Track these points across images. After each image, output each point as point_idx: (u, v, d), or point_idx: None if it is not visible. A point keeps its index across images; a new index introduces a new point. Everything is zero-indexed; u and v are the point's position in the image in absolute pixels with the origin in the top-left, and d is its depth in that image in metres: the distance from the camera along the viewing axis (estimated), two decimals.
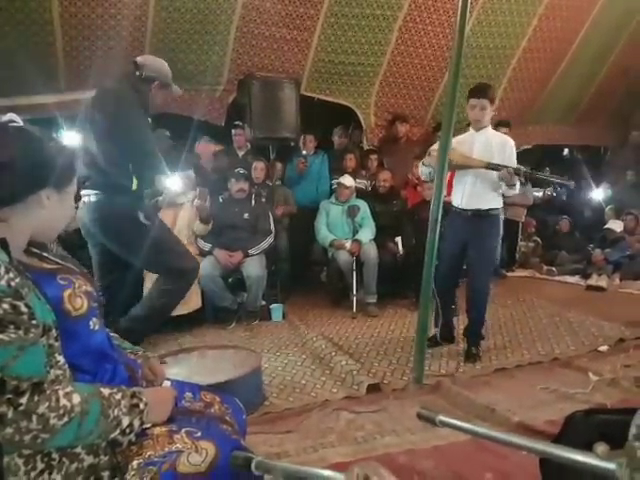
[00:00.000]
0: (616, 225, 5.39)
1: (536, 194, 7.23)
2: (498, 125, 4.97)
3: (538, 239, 6.02)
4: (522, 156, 5.87)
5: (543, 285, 5.01)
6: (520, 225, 5.73)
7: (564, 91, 5.60)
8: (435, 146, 2.99)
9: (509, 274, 5.38)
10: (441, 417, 0.85)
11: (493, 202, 2.91)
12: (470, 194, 2.88)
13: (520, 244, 5.81)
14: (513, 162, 2.84)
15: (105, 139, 2.33)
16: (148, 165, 2.45)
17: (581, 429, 1.17)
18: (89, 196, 2.45)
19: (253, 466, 0.72)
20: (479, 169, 2.83)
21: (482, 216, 2.90)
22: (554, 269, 5.35)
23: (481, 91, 2.86)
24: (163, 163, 2.57)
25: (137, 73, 2.50)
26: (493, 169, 2.78)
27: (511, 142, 2.94)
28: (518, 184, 2.84)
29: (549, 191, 7.32)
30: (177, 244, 2.75)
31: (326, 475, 0.60)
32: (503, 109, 5.41)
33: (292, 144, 4.64)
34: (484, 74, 5.04)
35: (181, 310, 3.43)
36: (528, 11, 4.65)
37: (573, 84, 5.57)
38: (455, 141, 2.84)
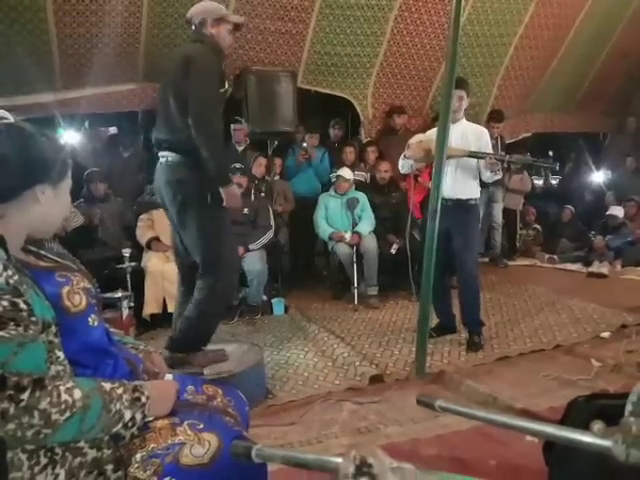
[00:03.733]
0: (617, 211, 5.38)
1: (537, 182, 7.24)
2: (490, 119, 4.95)
3: (538, 227, 6.01)
4: (520, 144, 5.91)
5: (545, 273, 5.02)
6: (518, 213, 5.73)
7: (563, 78, 5.56)
8: (413, 139, 3.08)
9: (510, 263, 5.38)
10: (440, 402, 0.86)
11: (472, 192, 3.05)
12: (451, 184, 2.94)
13: (520, 232, 5.81)
14: (489, 151, 2.99)
15: (181, 102, 2.21)
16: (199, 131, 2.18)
17: (582, 413, 1.18)
18: (167, 157, 2.32)
19: (253, 454, 0.72)
20: (459, 159, 2.91)
21: (462, 205, 3.01)
22: (555, 257, 5.35)
23: (459, 81, 2.94)
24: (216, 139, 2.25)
25: (192, 27, 2.38)
26: (475, 157, 2.89)
27: (485, 131, 3.09)
28: (500, 171, 2.99)
29: (552, 179, 7.31)
30: (230, 241, 2.46)
31: (324, 460, 0.60)
32: (502, 98, 5.39)
33: (290, 137, 4.63)
34: (481, 62, 5.01)
35: None
36: None
37: (572, 71, 5.53)
38: (432, 134, 2.95)
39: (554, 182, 7.89)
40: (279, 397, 2.51)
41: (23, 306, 0.88)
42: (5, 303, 0.86)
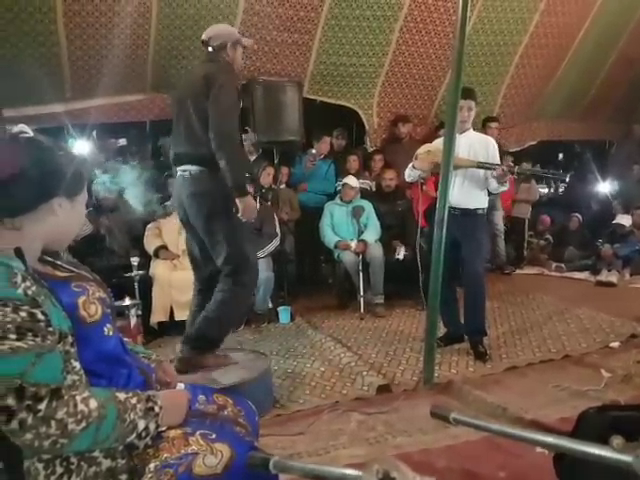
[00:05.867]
0: (625, 220, 5.36)
1: (542, 190, 7.23)
2: (486, 121, 4.95)
3: (550, 237, 5.99)
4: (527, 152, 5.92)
5: (552, 282, 4.99)
6: (526, 222, 5.72)
7: (568, 86, 5.57)
8: (422, 149, 3.08)
9: (517, 271, 5.36)
10: (455, 415, 0.86)
11: (479, 201, 3.05)
12: (458, 193, 2.94)
13: (532, 240, 5.79)
14: (497, 161, 2.98)
15: (204, 118, 2.31)
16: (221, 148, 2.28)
17: (594, 425, 1.17)
18: (189, 171, 2.38)
19: (271, 466, 0.72)
20: (466, 169, 2.92)
21: (470, 215, 3.01)
22: (563, 265, 5.32)
23: (469, 92, 2.98)
24: (237, 151, 2.40)
25: (209, 49, 2.48)
26: (484, 168, 2.88)
27: (493, 142, 3.08)
28: (508, 182, 2.99)
29: (558, 186, 7.30)
30: (252, 246, 2.62)
31: (346, 473, 0.60)
32: (507, 106, 5.41)
33: (296, 146, 4.66)
34: (487, 72, 5.03)
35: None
36: (529, 7, 4.63)
37: (577, 79, 5.54)
38: (440, 144, 2.94)
39: (560, 190, 7.88)
40: (286, 406, 2.50)
41: (41, 317, 0.90)
42: (23, 314, 0.87)
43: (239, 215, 2.38)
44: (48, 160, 1.01)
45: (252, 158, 4.70)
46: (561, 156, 7.75)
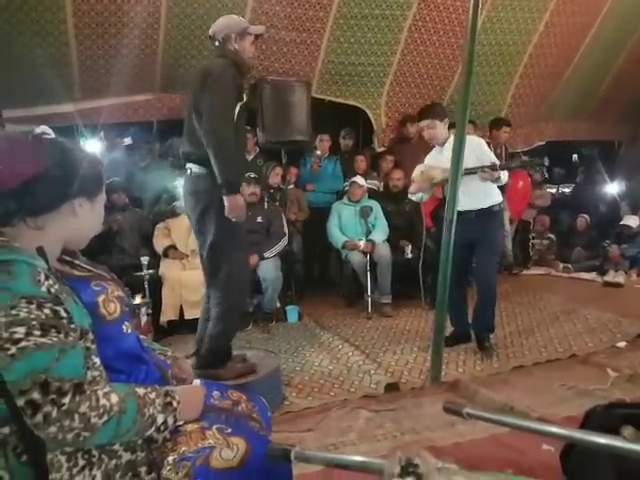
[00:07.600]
0: (632, 220, 5.35)
1: (549, 190, 7.22)
2: (497, 124, 4.93)
3: (552, 236, 5.99)
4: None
5: (559, 282, 4.99)
6: (531, 223, 5.74)
7: (577, 86, 5.56)
8: (415, 172, 3.16)
9: (525, 272, 5.36)
10: (467, 409, 0.88)
11: (492, 198, 3.03)
12: (468, 197, 2.90)
13: (534, 242, 5.80)
14: (489, 157, 2.94)
15: (200, 115, 2.27)
16: (214, 150, 2.22)
17: (602, 421, 1.19)
18: (191, 169, 2.38)
19: (292, 456, 0.75)
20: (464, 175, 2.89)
21: (486, 214, 3.01)
22: (570, 266, 5.32)
23: (427, 111, 3.04)
24: (232, 152, 2.26)
25: (216, 43, 2.44)
26: (470, 173, 2.84)
27: (479, 140, 3.06)
28: (504, 174, 2.95)
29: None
30: (241, 256, 2.50)
31: (368, 461, 0.62)
32: (516, 106, 5.40)
33: (304, 146, 4.68)
34: (496, 71, 5.03)
35: (198, 313, 3.48)
36: (539, 6, 4.63)
37: (585, 79, 5.52)
38: (427, 160, 3.08)
39: (560, 191, 7.86)
40: (295, 404, 2.53)
41: (63, 314, 0.93)
42: (47, 311, 0.90)
43: (226, 213, 2.26)
44: (70, 161, 1.03)
45: (250, 157, 4.70)
46: (575, 157, 7.77)
